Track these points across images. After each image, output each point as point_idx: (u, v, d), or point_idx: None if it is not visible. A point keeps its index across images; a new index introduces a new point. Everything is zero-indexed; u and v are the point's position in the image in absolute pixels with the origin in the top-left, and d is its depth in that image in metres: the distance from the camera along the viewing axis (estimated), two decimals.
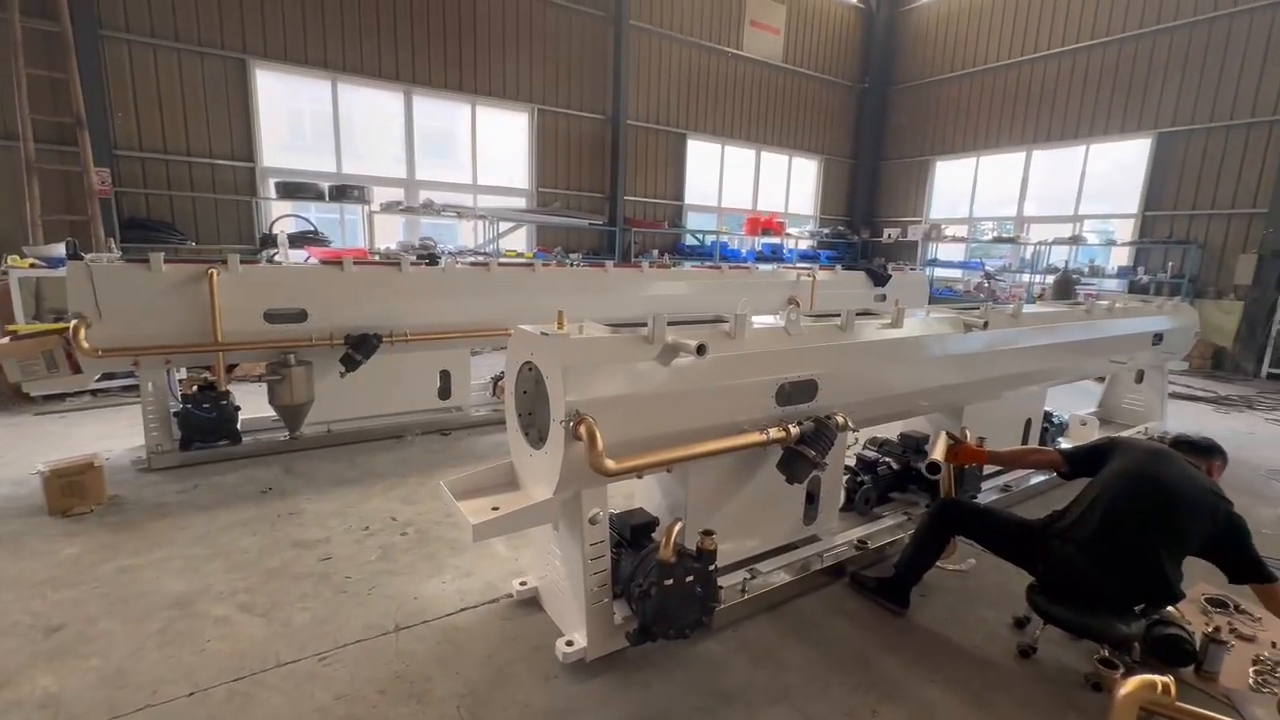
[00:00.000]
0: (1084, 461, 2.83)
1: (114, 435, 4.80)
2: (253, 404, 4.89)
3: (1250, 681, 2.43)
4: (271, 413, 4.60)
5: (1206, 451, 2.79)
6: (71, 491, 3.53)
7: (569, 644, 2.43)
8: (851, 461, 3.75)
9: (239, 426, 4.55)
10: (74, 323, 3.71)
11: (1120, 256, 11.39)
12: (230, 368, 5.78)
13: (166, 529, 3.38)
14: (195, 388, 4.36)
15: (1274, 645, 2.65)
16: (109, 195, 7.48)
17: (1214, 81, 9.85)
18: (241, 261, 4.29)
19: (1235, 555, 2.38)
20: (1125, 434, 5.31)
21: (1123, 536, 2.36)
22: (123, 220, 7.81)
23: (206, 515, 3.56)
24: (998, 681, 2.45)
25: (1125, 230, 11.30)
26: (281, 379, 4.34)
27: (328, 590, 2.85)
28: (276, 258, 7.12)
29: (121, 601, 2.72)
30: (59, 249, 5.94)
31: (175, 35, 7.98)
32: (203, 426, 4.30)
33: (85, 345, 3.70)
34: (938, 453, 2.94)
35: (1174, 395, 7.05)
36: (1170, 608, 2.54)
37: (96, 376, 5.22)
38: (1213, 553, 2.41)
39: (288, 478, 4.13)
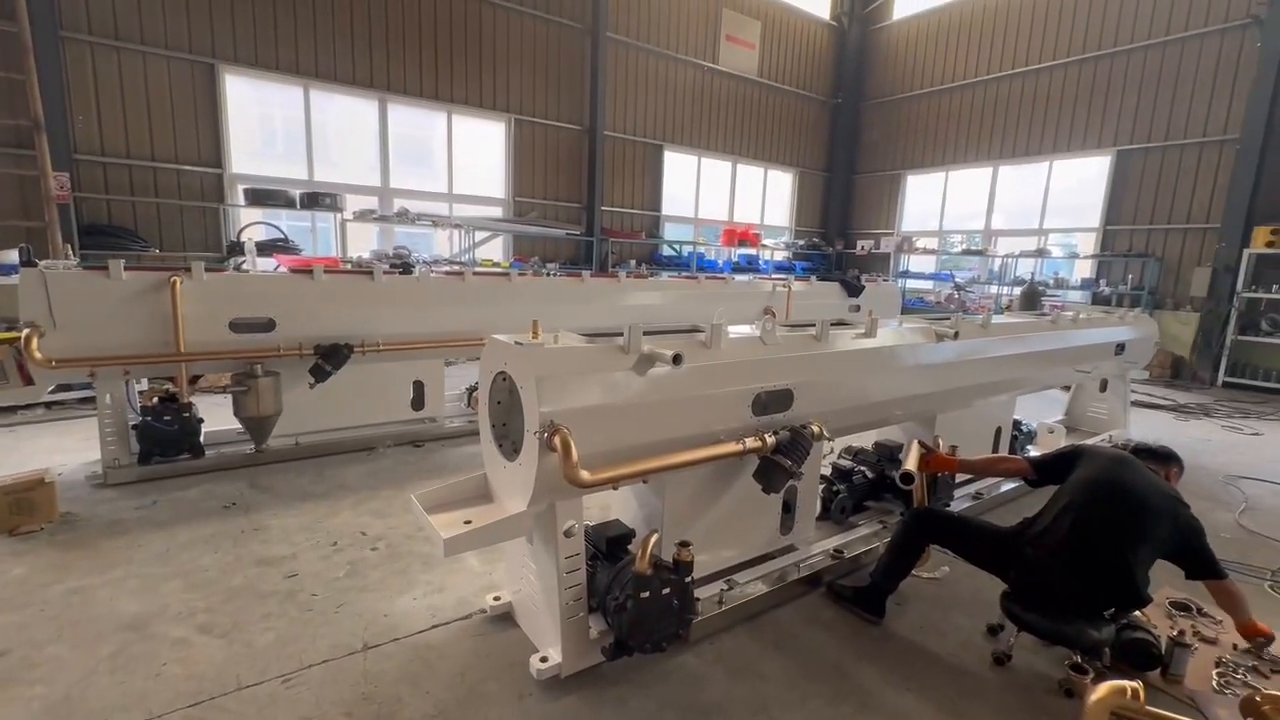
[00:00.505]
0: (1051, 469, 2.89)
1: (68, 449, 4.60)
2: (218, 416, 4.73)
3: (1214, 683, 2.48)
4: (237, 425, 4.45)
5: (1165, 459, 2.89)
6: (20, 509, 3.36)
7: (543, 660, 2.38)
8: (827, 470, 3.77)
9: (202, 439, 4.40)
10: (26, 332, 3.57)
11: (1083, 269, 11.75)
12: (194, 379, 5.62)
13: (122, 547, 3.24)
14: (156, 399, 4.21)
15: (1235, 648, 2.71)
16: (67, 200, 7.23)
17: (1168, 102, 10.27)
18: (206, 269, 4.19)
19: (1192, 555, 2.47)
20: (1089, 441, 5.46)
21: (1092, 542, 2.41)
22: (82, 226, 7.55)
23: (165, 532, 3.42)
24: (973, 689, 2.46)
25: (1087, 244, 11.67)
26: (247, 390, 4.21)
27: (293, 609, 2.76)
28: (244, 266, 6.96)
29: (71, 625, 2.59)
30: (12, 255, 5.71)
31: (141, 38, 7.78)
32: (163, 439, 4.14)
33: (38, 356, 3.56)
34: (911, 463, 2.97)
35: (1136, 403, 7.27)
36: (1137, 612, 2.59)
37: (50, 388, 5.04)
38: (1172, 554, 2.48)
39: (253, 492, 4.00)
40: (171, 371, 4.29)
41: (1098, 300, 10.75)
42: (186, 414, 4.21)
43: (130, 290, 3.92)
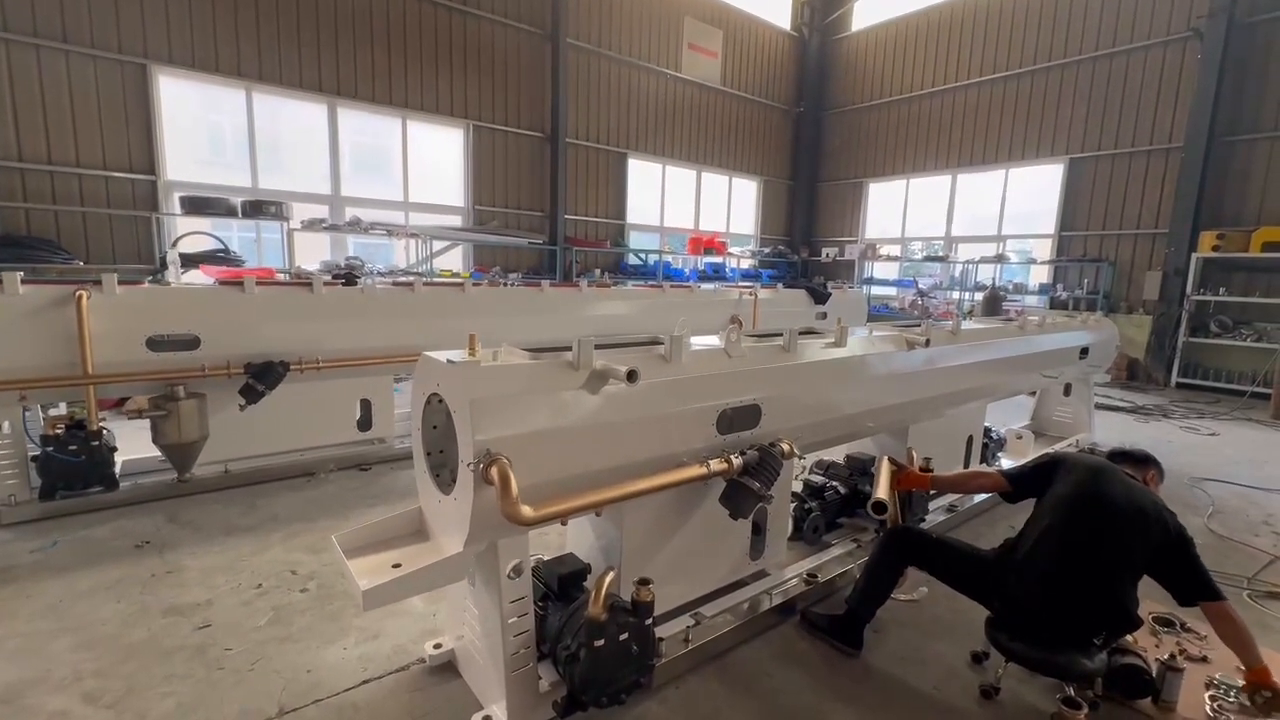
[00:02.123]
0: (1028, 482, 2.72)
1: None
2: (139, 442, 4.29)
3: (1208, 709, 2.33)
4: (159, 453, 4.05)
5: (1142, 462, 2.74)
6: None
7: (486, 719, 2.10)
8: (798, 487, 3.58)
9: (117, 470, 3.98)
10: None
11: (1040, 274, 11.99)
12: (120, 401, 5.15)
13: (6, 599, 2.83)
14: (61, 427, 3.78)
15: (1238, 669, 2.52)
16: None
17: (1116, 111, 10.58)
18: (120, 282, 3.81)
19: (1184, 569, 2.27)
20: (1060, 446, 5.42)
21: (1079, 566, 2.24)
22: None
23: (62, 579, 3.02)
24: None
25: (1043, 249, 11.92)
26: (167, 414, 3.83)
27: (200, 668, 2.41)
28: (168, 278, 6.51)
29: None
30: None
31: (64, 36, 7.25)
32: (68, 472, 3.71)
33: None
34: (882, 490, 2.75)
35: (1097, 406, 7.31)
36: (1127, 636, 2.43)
37: None
38: (1161, 567, 2.30)
39: (171, 528, 3.61)
40: (77, 395, 3.88)
41: (1055, 304, 10.94)
42: (96, 443, 3.79)
43: (28, 306, 3.54)
